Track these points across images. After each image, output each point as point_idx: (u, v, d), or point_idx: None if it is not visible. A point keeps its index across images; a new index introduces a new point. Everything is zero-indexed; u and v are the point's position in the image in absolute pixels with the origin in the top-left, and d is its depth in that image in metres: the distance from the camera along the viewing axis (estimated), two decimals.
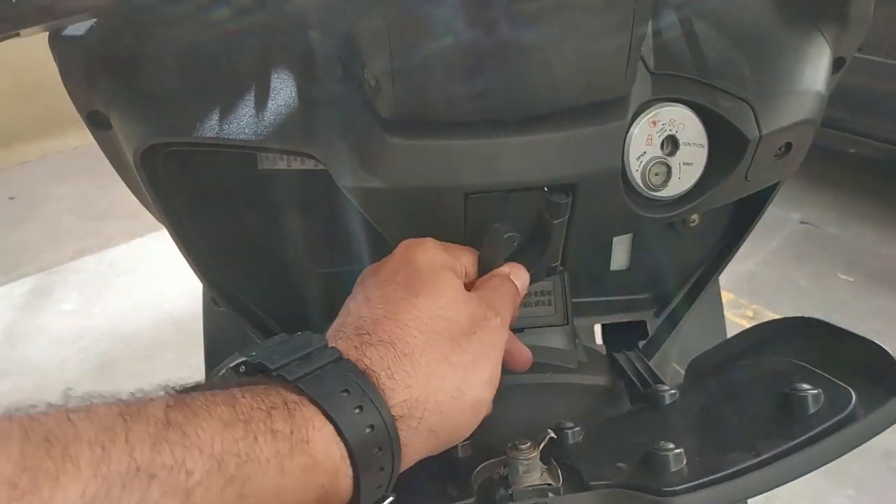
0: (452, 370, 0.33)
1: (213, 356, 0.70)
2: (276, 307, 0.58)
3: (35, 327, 1.87)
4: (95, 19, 0.42)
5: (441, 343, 0.33)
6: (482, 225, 0.40)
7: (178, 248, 0.50)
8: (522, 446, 0.43)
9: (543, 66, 0.36)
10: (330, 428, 0.28)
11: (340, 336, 0.33)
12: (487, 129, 0.38)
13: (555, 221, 0.40)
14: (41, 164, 2.62)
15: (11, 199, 2.44)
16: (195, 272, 0.52)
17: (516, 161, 0.38)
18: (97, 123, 0.45)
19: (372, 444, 0.29)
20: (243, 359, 0.31)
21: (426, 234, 0.40)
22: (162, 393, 0.27)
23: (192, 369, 1.47)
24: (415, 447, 0.32)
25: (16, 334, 1.85)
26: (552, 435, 0.45)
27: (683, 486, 0.38)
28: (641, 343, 0.59)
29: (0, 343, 1.82)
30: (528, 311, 0.54)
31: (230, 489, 0.24)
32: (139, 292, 2.00)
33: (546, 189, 0.40)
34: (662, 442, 0.41)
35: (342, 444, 0.28)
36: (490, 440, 0.50)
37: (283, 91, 0.41)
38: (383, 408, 0.30)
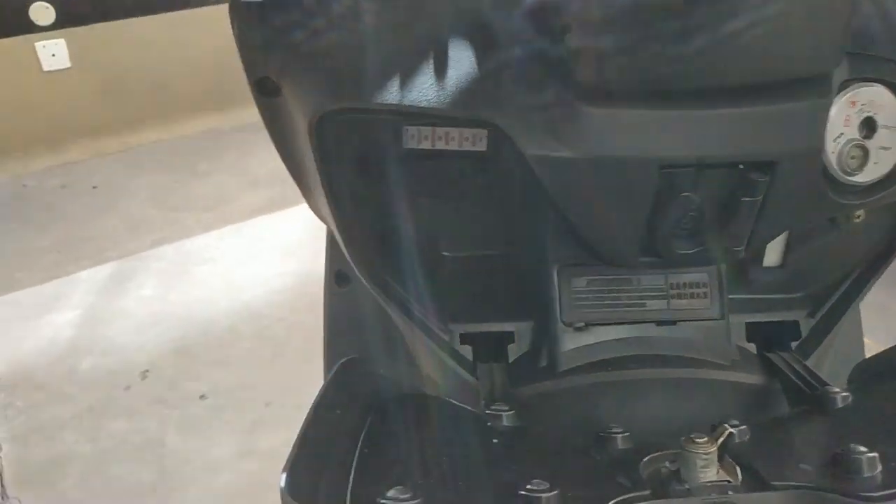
0: None
1: (335, 336, 0.69)
2: (411, 286, 0.57)
3: (115, 310, 1.92)
4: None
5: None
6: (670, 199, 0.38)
7: (332, 218, 0.49)
8: (699, 440, 0.41)
9: (758, 33, 0.34)
10: None
11: None
12: (689, 100, 0.36)
13: (747, 200, 0.38)
14: (122, 157, 2.71)
15: (94, 188, 2.52)
16: (343, 243, 0.51)
17: (717, 134, 0.36)
18: (265, 90, 0.45)
19: None
20: None
21: (609, 206, 0.39)
22: None
23: (265, 360, 1.49)
24: None
25: (97, 316, 1.91)
26: (731, 430, 0.42)
27: (883, 493, 0.36)
28: (793, 344, 0.56)
29: (82, 323, 1.87)
30: (684, 303, 0.52)
31: None
32: (215, 282, 2.04)
33: (742, 166, 0.38)
34: (853, 445, 0.38)
35: None
36: (648, 433, 0.48)
37: (465, 58, 0.40)
38: None
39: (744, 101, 0.36)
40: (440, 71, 0.39)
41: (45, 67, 2.53)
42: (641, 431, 0.45)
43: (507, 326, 0.55)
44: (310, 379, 1.64)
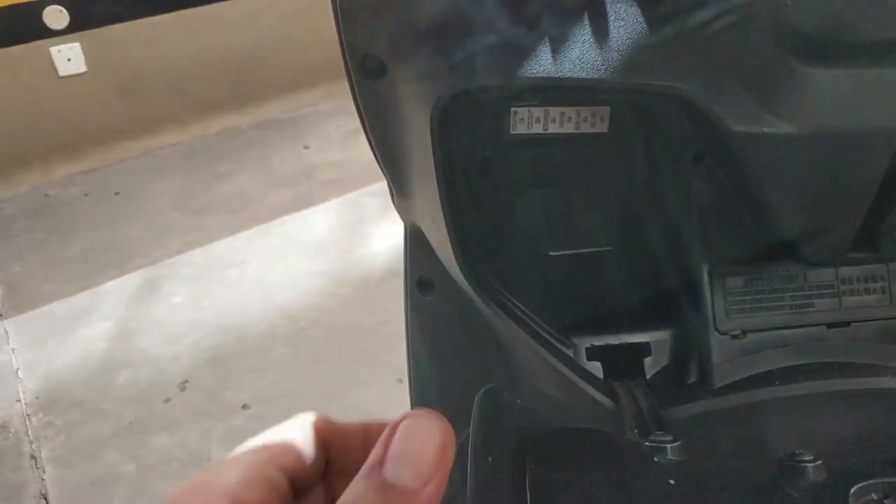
0: None
1: (422, 349, 0.62)
2: (525, 293, 0.50)
3: (147, 320, 1.87)
4: None
5: None
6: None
7: (443, 217, 0.42)
8: None
9: None
10: None
11: None
12: None
13: None
14: (143, 161, 2.65)
15: (117, 194, 2.47)
16: (452, 241, 0.44)
17: None
18: (367, 71, 0.37)
19: None
20: None
21: (831, 190, 0.31)
22: None
23: (305, 366, 1.43)
24: None
25: (129, 327, 1.85)
26: None
27: None
28: None
29: (115, 335, 1.82)
30: (858, 301, 0.44)
31: None
32: (247, 285, 1.98)
33: None
34: None
35: None
36: (837, 458, 0.41)
37: (632, 16, 0.32)
38: None
39: None
40: (601, 36, 0.31)
41: (62, 73, 2.48)
42: (829, 454, 0.38)
43: (642, 337, 0.47)
44: (353, 384, 1.58)
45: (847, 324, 0.44)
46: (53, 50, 2.41)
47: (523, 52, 0.32)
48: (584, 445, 0.37)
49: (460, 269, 0.46)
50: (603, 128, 0.47)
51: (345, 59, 0.38)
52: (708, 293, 0.44)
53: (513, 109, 0.47)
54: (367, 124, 0.42)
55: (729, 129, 0.29)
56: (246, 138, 2.77)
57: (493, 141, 0.48)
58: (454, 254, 0.44)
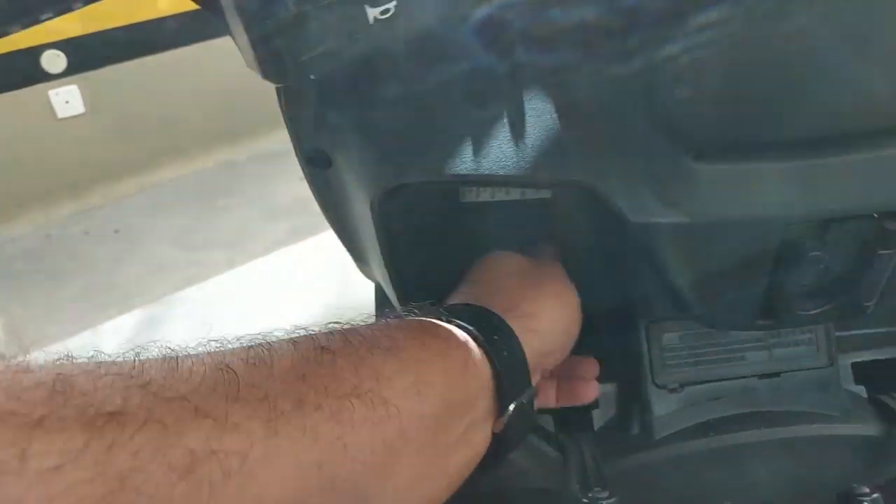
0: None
1: None
2: None
3: None
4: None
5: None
6: (793, 258, 0.34)
7: (392, 285, 0.45)
8: None
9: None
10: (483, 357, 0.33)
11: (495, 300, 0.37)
12: (818, 148, 0.31)
13: (885, 253, 0.33)
14: (141, 198, 2.70)
15: (116, 232, 2.51)
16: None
17: (853, 184, 0.31)
18: (316, 162, 0.41)
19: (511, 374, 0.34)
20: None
21: (725, 270, 0.34)
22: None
23: None
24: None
25: None
26: None
27: None
28: None
29: None
30: (787, 353, 0.47)
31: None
32: (247, 322, 2.01)
33: (876, 216, 0.33)
34: None
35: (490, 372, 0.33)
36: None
37: (547, 117, 0.35)
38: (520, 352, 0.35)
39: (881, 143, 0.31)
40: (518, 133, 0.35)
41: (60, 115, 2.53)
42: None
43: None
44: None
45: (777, 374, 0.47)
46: (52, 93, 2.47)
47: (448, 152, 0.35)
48: None
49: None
50: (546, 193, 0.50)
51: (296, 150, 0.41)
52: (645, 349, 0.47)
53: None
54: (321, 206, 0.46)
55: (627, 220, 0.33)
56: (243, 172, 2.81)
57: (445, 211, 0.51)
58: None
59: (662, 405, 0.46)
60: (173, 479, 0.18)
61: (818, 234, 0.33)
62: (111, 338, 1.96)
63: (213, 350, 0.24)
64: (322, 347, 0.26)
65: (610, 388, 0.50)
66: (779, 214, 0.32)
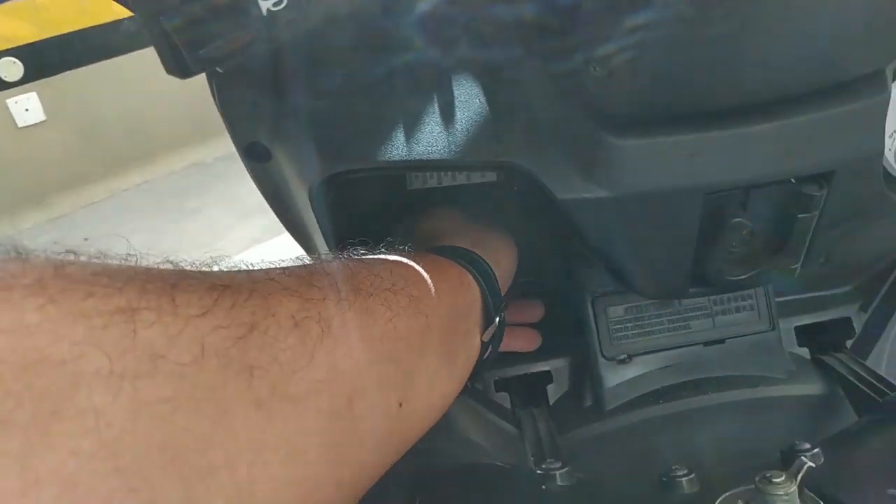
0: None
1: None
2: None
3: None
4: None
5: None
6: (718, 226, 0.35)
7: None
8: (777, 479, 0.37)
9: (809, 36, 0.30)
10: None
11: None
12: (732, 118, 0.32)
13: (804, 216, 0.35)
14: (109, 203, 2.67)
15: (86, 240, 2.46)
16: None
17: (767, 152, 0.33)
18: (255, 155, 0.41)
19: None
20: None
21: (652, 242, 0.35)
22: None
23: None
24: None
25: None
26: (810, 464, 0.39)
27: None
28: (849, 343, 0.53)
29: None
30: (730, 319, 0.48)
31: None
32: None
33: (794, 181, 0.34)
34: None
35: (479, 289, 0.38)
36: (714, 468, 0.45)
37: (475, 100, 0.36)
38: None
39: (793, 110, 0.32)
40: (448, 118, 0.35)
41: (20, 123, 2.49)
42: (706, 467, 0.42)
43: (543, 366, 0.51)
44: None
45: (722, 341, 0.48)
46: (10, 101, 2.43)
47: (380, 139, 0.36)
48: (477, 481, 0.41)
49: None
50: (492, 177, 0.51)
51: (234, 143, 0.42)
52: (592, 322, 0.48)
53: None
54: (265, 198, 0.46)
55: (555, 197, 0.33)
56: (212, 171, 2.79)
57: (395, 198, 0.52)
58: None
59: (612, 376, 0.48)
60: (287, 329, 0.22)
61: (740, 201, 0.35)
62: None
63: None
64: (356, 261, 0.31)
65: (563, 362, 0.51)
66: (698, 184, 0.33)
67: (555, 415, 0.50)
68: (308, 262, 0.29)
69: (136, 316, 0.18)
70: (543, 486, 0.41)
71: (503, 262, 0.43)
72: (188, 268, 0.23)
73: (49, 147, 2.56)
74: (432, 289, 0.32)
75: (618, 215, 0.34)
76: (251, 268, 0.25)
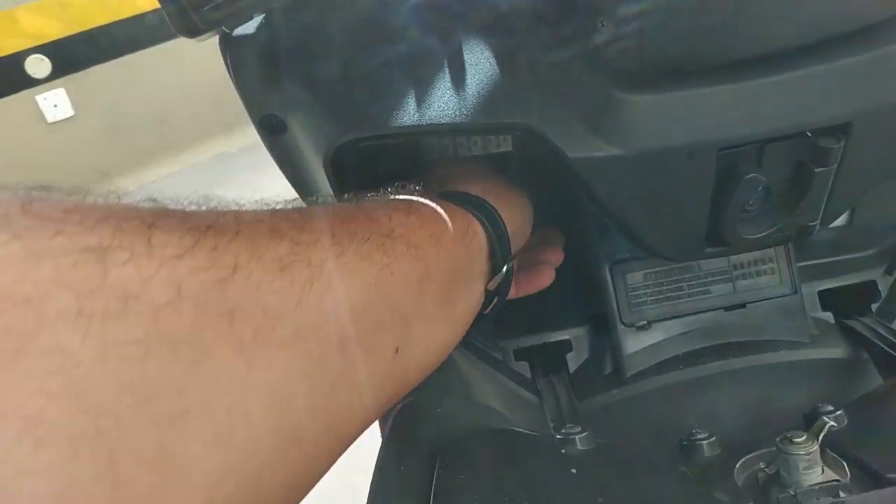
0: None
1: None
2: None
3: None
4: (264, 15, 0.38)
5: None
6: (733, 182, 0.34)
7: None
8: (798, 439, 0.37)
9: None
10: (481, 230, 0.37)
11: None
12: (745, 70, 0.32)
13: (821, 170, 0.34)
14: (138, 196, 2.71)
15: None
16: None
17: (781, 104, 0.32)
18: (270, 128, 0.42)
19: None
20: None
21: (666, 201, 0.35)
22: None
23: None
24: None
25: None
26: (832, 423, 0.38)
27: None
28: (874, 306, 0.52)
29: None
30: (750, 283, 0.48)
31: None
32: None
33: (810, 134, 0.34)
34: None
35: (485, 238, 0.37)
36: (735, 432, 0.44)
37: (484, 62, 0.36)
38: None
39: (809, 60, 0.31)
40: (458, 81, 0.35)
41: (50, 119, 2.54)
42: (727, 431, 0.42)
43: (562, 335, 0.51)
44: None
45: (743, 305, 0.48)
46: (39, 98, 2.48)
47: (392, 105, 0.36)
48: (497, 445, 0.41)
49: None
50: (507, 146, 0.51)
51: (250, 116, 0.42)
52: (611, 289, 0.48)
53: (423, 140, 0.51)
54: (282, 171, 0.46)
55: (567, 156, 0.33)
56: (236, 162, 2.82)
57: (406, 169, 0.52)
58: None
59: (632, 343, 0.48)
60: (273, 273, 0.21)
61: (755, 156, 0.34)
62: None
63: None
64: (355, 205, 0.31)
65: (582, 331, 0.51)
66: (711, 140, 0.32)
67: (575, 383, 0.50)
68: (303, 206, 0.28)
69: (107, 255, 0.17)
70: (563, 451, 0.41)
71: (516, 215, 0.42)
72: (172, 206, 0.22)
73: (78, 142, 2.61)
74: (434, 235, 0.32)
75: (630, 174, 0.34)
76: (240, 208, 0.24)
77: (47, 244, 0.16)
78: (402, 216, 0.31)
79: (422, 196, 0.35)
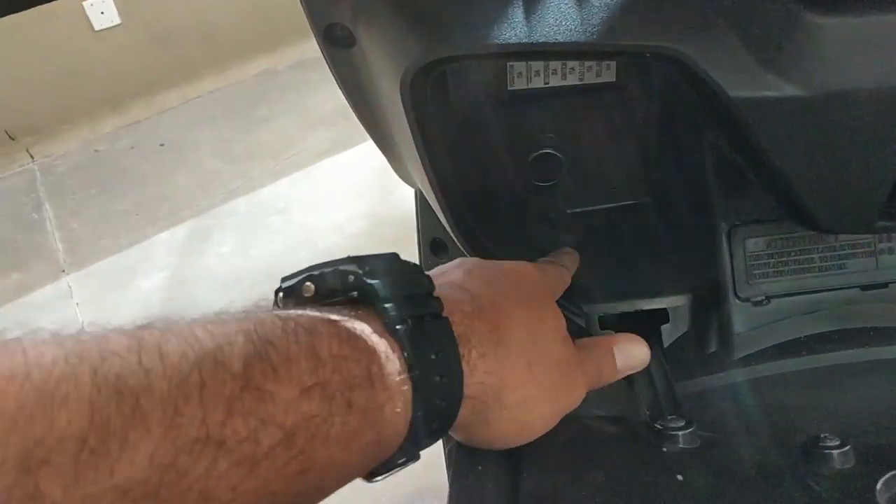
0: (531, 383, 0.31)
1: None
2: (519, 253, 0.47)
3: (198, 270, 1.92)
4: None
5: (533, 355, 0.32)
6: None
7: (430, 181, 0.39)
8: None
9: None
10: (408, 398, 0.26)
11: (449, 293, 0.30)
12: None
13: None
14: (183, 110, 2.67)
15: (162, 145, 2.51)
16: (443, 209, 0.41)
17: None
18: (335, 40, 0.34)
19: (433, 418, 0.27)
20: (351, 269, 0.27)
21: (847, 156, 0.27)
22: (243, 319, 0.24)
23: None
24: (459, 428, 0.31)
25: (183, 276, 1.91)
26: None
27: None
28: None
29: (171, 285, 1.89)
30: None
31: (294, 463, 0.23)
32: (292, 231, 2.01)
33: None
34: None
35: (410, 416, 0.26)
36: (869, 438, 0.37)
37: None
38: (460, 385, 0.28)
39: None
40: None
41: (97, 26, 2.49)
42: (860, 436, 0.35)
43: (658, 303, 0.44)
44: None
45: (885, 285, 0.40)
46: (86, 4, 2.42)
47: (491, 19, 0.28)
48: (586, 441, 0.35)
49: (455, 235, 0.43)
50: (610, 76, 0.43)
51: (311, 26, 0.35)
52: (727, 256, 0.40)
53: (509, 64, 0.43)
54: (344, 93, 0.39)
55: (726, 94, 0.25)
56: (282, 80, 2.75)
57: (490, 98, 0.44)
58: (445, 216, 0.42)
59: (745, 320, 0.40)
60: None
61: None
62: (163, 249, 1.99)
63: None
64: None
65: (683, 299, 0.44)
66: None
67: (670, 360, 0.43)
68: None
69: None
70: (664, 449, 0.35)
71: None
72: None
73: (124, 52, 2.56)
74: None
75: (808, 121, 0.26)
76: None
77: None
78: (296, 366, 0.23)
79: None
